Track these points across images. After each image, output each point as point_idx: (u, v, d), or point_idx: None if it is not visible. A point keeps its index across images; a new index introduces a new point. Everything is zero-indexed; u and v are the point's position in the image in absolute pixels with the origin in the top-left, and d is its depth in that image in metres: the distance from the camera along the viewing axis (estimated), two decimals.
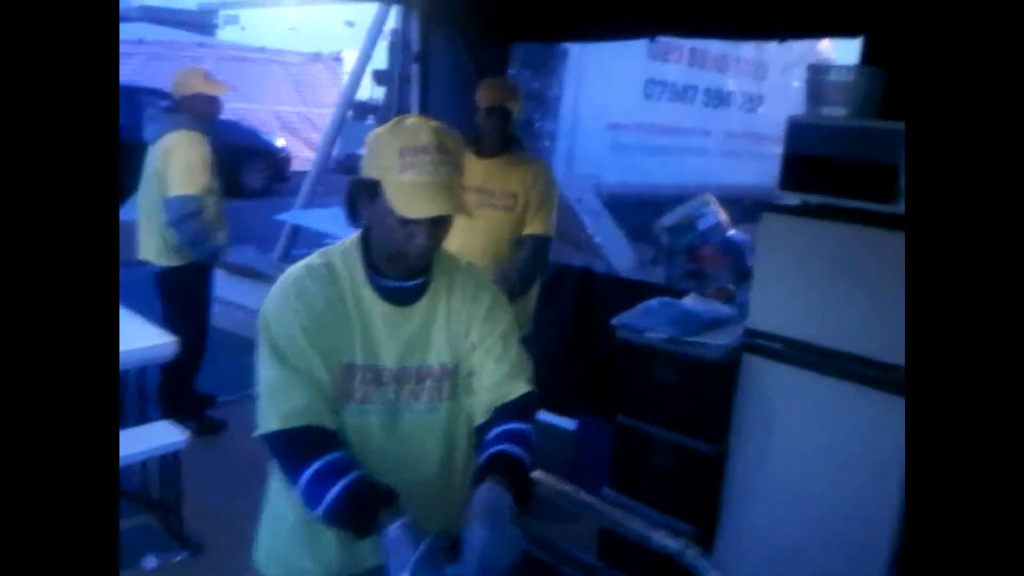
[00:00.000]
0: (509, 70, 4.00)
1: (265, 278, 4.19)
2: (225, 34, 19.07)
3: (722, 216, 3.39)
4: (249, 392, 1.43)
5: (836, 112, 2.46)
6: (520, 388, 1.48)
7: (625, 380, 2.87)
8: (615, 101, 10.35)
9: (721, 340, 2.70)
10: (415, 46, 3.97)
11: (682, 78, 11.34)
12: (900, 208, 2.23)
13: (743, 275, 3.08)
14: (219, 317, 4.14)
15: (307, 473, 1.31)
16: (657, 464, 2.78)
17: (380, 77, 9.72)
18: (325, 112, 12.42)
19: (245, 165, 11.98)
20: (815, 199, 2.43)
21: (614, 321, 2.88)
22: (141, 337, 2.85)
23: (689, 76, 11.43)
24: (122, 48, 2.14)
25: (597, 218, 9.50)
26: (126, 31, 9.91)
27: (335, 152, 9.35)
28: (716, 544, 2.72)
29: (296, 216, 8.11)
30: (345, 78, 10.74)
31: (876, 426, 2.34)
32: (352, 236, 1.49)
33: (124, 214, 1.78)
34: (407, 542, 1.21)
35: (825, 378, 2.42)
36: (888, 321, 2.29)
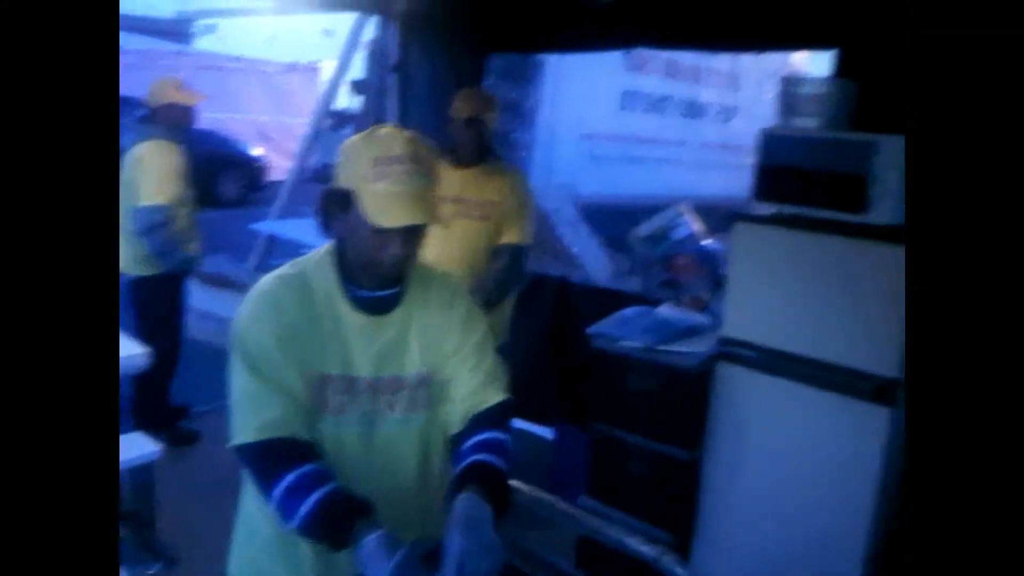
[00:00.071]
0: (486, 80, 4.02)
1: (240, 288, 4.16)
2: (202, 43, 18.95)
3: (697, 226, 3.41)
4: (224, 403, 1.42)
5: (808, 124, 2.50)
6: (495, 396, 1.49)
7: (601, 388, 2.88)
8: (591, 112, 10.42)
9: (696, 348, 2.72)
10: (393, 56, 3.97)
11: (658, 89, 11.43)
12: (871, 218, 2.26)
13: (718, 284, 3.10)
14: (194, 327, 4.11)
15: (281, 485, 1.30)
16: (634, 472, 2.80)
17: (357, 87, 9.73)
18: (302, 122, 12.38)
19: (221, 174, 11.91)
20: (788, 209, 2.46)
21: (590, 330, 2.90)
22: None
23: (665, 87, 11.53)
24: None
25: (574, 228, 9.55)
26: None
27: (312, 162, 9.32)
28: (692, 550, 2.73)
29: (272, 226, 8.08)
30: (322, 88, 10.72)
31: (850, 433, 2.37)
32: (326, 246, 1.48)
33: None
34: (383, 553, 1.21)
35: (798, 385, 2.45)
36: (860, 329, 2.33)
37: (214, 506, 2.08)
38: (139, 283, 3.61)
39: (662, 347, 2.72)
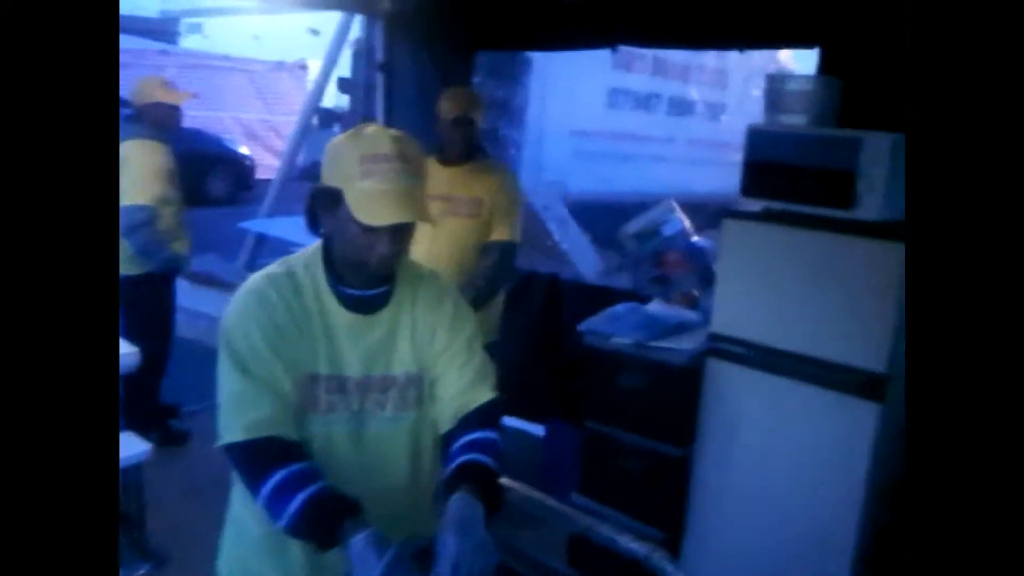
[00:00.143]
0: (473, 79, 4.02)
1: (230, 287, 4.15)
2: (188, 42, 18.86)
3: (686, 222, 3.42)
4: (214, 402, 1.41)
5: (795, 120, 2.51)
6: (484, 395, 1.49)
7: (592, 385, 2.89)
8: (579, 110, 10.45)
9: (686, 345, 2.73)
10: (379, 54, 3.97)
11: (645, 87, 11.48)
12: (857, 214, 2.27)
13: (707, 280, 3.11)
14: (183, 326, 4.09)
15: (270, 484, 1.30)
16: (625, 468, 2.80)
17: (344, 85, 9.73)
18: (290, 120, 12.36)
19: (209, 173, 11.87)
20: (775, 205, 2.48)
21: (580, 327, 2.90)
22: None
23: (652, 85, 11.57)
24: None
25: (563, 225, 9.56)
26: None
27: (300, 160, 9.30)
28: (683, 547, 2.74)
29: (261, 224, 8.06)
30: (310, 86, 10.69)
31: (839, 428, 2.38)
32: (314, 245, 1.48)
33: None
34: (372, 552, 1.21)
35: (788, 381, 2.46)
36: (849, 324, 2.34)
37: (204, 506, 2.07)
38: (125, 283, 3.59)
39: (652, 343, 2.73)
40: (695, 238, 3.39)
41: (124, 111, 3.88)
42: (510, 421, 3.73)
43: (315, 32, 14.62)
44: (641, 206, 3.62)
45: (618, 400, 2.79)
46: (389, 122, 3.80)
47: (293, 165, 9.11)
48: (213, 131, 13.03)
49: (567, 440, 3.27)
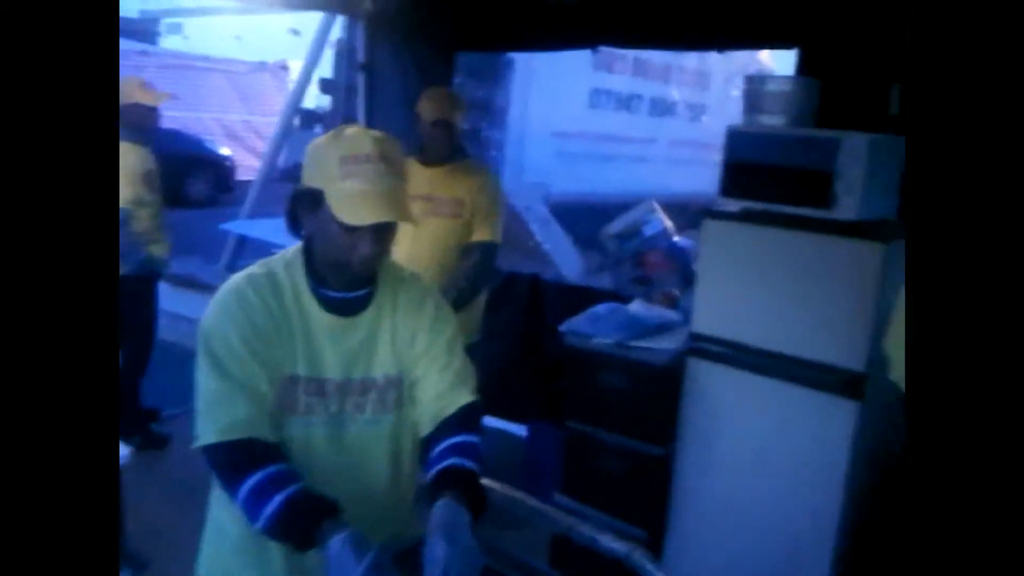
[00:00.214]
0: (454, 79, 4.02)
1: (211, 289, 4.12)
2: (168, 43, 18.72)
3: (667, 223, 3.44)
4: (194, 406, 1.41)
5: (773, 121, 2.53)
6: (464, 398, 1.48)
7: (574, 385, 2.90)
8: (561, 111, 10.46)
9: (667, 344, 2.74)
10: (361, 55, 3.96)
11: (627, 88, 11.51)
12: (835, 214, 2.29)
13: (688, 280, 3.13)
14: (164, 329, 4.06)
15: (247, 485, 1.29)
16: (607, 468, 2.81)
17: (326, 86, 9.70)
18: (271, 121, 12.30)
19: (190, 175, 11.80)
20: (755, 205, 2.49)
21: (562, 327, 2.91)
22: None
23: (633, 86, 11.61)
24: None
25: (545, 226, 9.58)
26: None
27: (281, 161, 9.26)
28: (665, 545, 2.75)
29: (242, 226, 8.02)
30: (291, 87, 10.65)
31: (819, 426, 2.40)
32: (295, 246, 1.47)
33: None
34: (351, 554, 1.20)
35: (768, 380, 2.48)
36: (828, 323, 2.36)
37: (184, 510, 2.06)
38: None
39: (634, 343, 2.74)
40: (676, 238, 3.41)
41: None
42: (492, 421, 3.73)
43: (296, 33, 14.57)
44: (623, 207, 3.63)
45: (600, 400, 2.80)
46: (370, 123, 3.80)
47: (274, 166, 9.07)
48: (193, 132, 12.95)
49: (549, 440, 3.27)
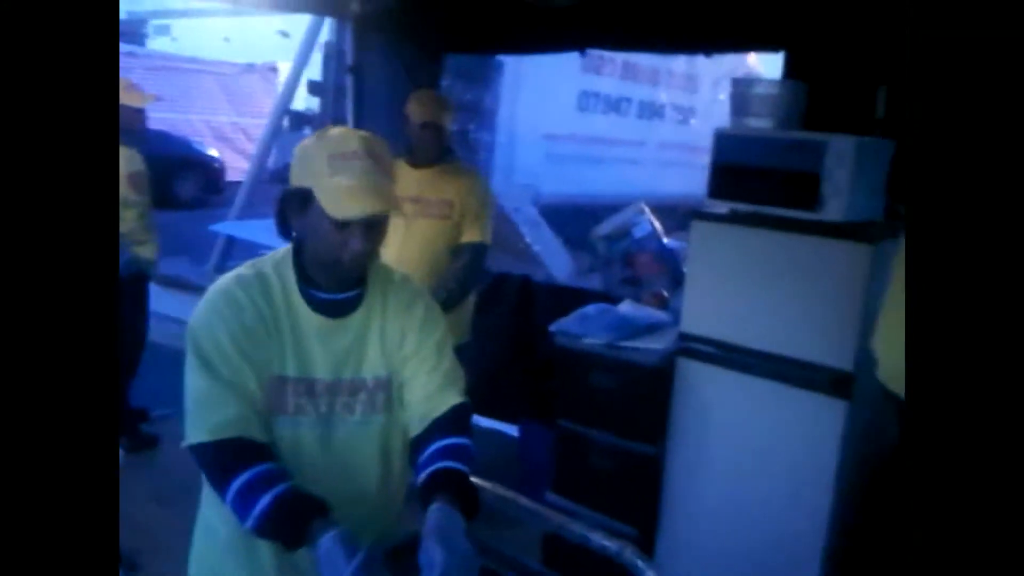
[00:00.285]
0: (443, 81, 4.03)
1: (199, 290, 4.11)
2: (155, 44, 18.63)
3: (656, 224, 3.46)
4: (184, 407, 1.41)
5: (761, 124, 2.55)
6: (453, 399, 1.48)
7: (565, 385, 2.90)
8: (550, 113, 10.49)
9: (657, 344, 2.76)
10: (349, 57, 3.96)
11: (615, 90, 11.54)
12: (822, 215, 2.31)
13: (678, 281, 3.15)
14: (153, 330, 4.04)
15: (236, 485, 1.29)
16: (598, 468, 2.82)
17: (314, 88, 9.68)
18: (259, 122, 12.28)
19: (178, 176, 11.76)
20: (742, 207, 2.51)
21: (552, 328, 2.92)
22: None
23: (622, 89, 11.64)
24: None
25: (535, 227, 9.59)
26: None
27: (270, 163, 9.24)
28: (657, 544, 2.77)
29: (231, 227, 8.00)
30: (280, 88, 10.63)
31: (807, 425, 2.41)
32: (285, 247, 1.47)
33: None
34: (340, 552, 1.20)
35: (757, 379, 2.49)
36: (816, 323, 2.38)
37: (174, 511, 2.06)
38: None
39: (624, 344, 2.75)
40: (665, 240, 3.42)
41: None
42: (484, 421, 3.74)
43: (285, 34, 14.52)
44: (612, 208, 3.65)
45: (590, 400, 2.81)
46: (359, 124, 3.80)
47: (263, 168, 9.06)
48: (182, 134, 12.91)
49: (541, 440, 3.28)
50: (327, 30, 8.20)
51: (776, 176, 2.40)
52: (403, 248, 2.68)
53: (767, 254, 2.46)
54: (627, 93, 11.67)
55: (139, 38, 18.64)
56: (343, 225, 1.33)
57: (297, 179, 1.38)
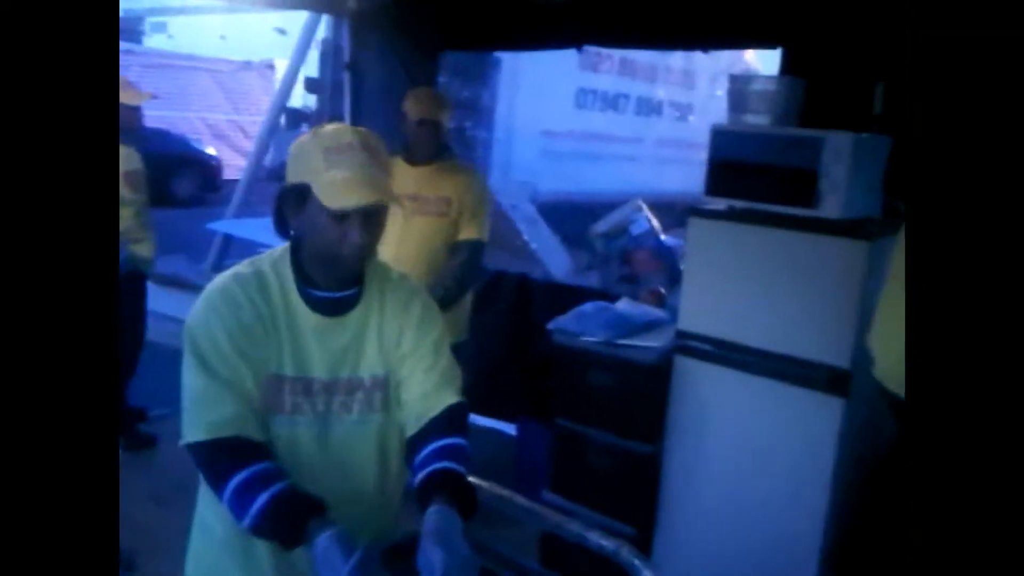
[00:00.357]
0: (440, 78, 4.02)
1: (196, 288, 4.11)
2: (152, 42, 18.61)
3: (654, 222, 3.46)
4: (181, 405, 1.40)
5: (758, 120, 2.54)
6: (449, 398, 1.47)
7: (562, 384, 2.90)
8: (548, 110, 10.48)
9: (654, 342, 2.75)
10: (346, 54, 3.95)
11: (613, 87, 11.53)
12: (820, 212, 2.31)
13: (675, 278, 3.15)
14: (150, 329, 4.04)
15: (233, 483, 1.29)
16: (596, 466, 2.82)
17: (311, 85, 9.67)
18: (257, 120, 12.26)
19: (176, 174, 11.75)
20: (739, 204, 2.51)
21: (550, 325, 2.91)
22: None
23: (620, 85, 11.64)
24: None
25: (533, 225, 9.59)
26: None
27: (267, 160, 9.23)
28: (654, 542, 2.77)
29: (228, 225, 7.99)
30: (277, 86, 10.61)
31: (806, 423, 2.41)
32: (283, 246, 1.47)
33: None
34: (337, 551, 1.20)
35: (754, 377, 2.49)
36: (813, 321, 2.38)
37: (172, 510, 2.06)
38: None
39: (621, 341, 2.75)
40: (663, 237, 3.42)
41: None
42: (481, 420, 3.74)
43: (282, 32, 14.52)
44: (609, 206, 3.65)
45: (588, 398, 2.81)
46: (356, 121, 3.79)
47: (260, 165, 9.04)
48: (179, 131, 12.90)
49: (538, 438, 3.28)
50: (324, 27, 8.19)
51: (773, 172, 2.39)
52: (400, 245, 2.68)
53: (764, 251, 2.46)
54: (624, 90, 11.67)
55: (136, 35, 18.60)
56: (341, 218, 1.33)
57: (294, 176, 1.37)
